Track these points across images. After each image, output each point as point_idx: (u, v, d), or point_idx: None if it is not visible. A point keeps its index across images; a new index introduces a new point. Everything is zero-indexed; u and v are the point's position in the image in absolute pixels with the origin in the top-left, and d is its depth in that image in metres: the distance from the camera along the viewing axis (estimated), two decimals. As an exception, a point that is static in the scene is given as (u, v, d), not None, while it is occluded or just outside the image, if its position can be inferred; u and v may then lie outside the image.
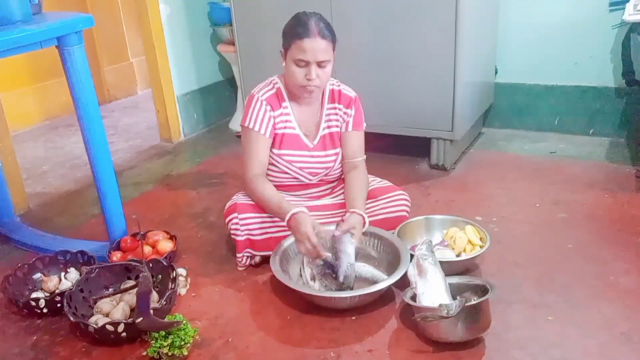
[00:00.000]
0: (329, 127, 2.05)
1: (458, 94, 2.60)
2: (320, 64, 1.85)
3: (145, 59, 3.41)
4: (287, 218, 1.82)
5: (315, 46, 1.81)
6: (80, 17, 1.87)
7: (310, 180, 2.06)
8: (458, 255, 1.91)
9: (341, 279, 1.77)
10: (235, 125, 3.61)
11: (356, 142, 2.07)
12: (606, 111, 3.04)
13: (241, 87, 3.25)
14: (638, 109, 2.93)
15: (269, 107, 1.95)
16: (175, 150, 3.38)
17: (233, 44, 3.19)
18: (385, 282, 1.73)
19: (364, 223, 1.91)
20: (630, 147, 2.90)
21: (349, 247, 1.79)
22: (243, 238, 1.96)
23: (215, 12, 3.47)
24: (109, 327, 1.61)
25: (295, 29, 1.84)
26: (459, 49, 2.52)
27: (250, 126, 1.95)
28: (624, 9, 2.63)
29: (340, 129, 2.06)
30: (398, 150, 3.00)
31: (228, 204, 2.04)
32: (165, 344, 1.54)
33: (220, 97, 3.78)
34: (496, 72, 3.23)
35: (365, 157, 2.09)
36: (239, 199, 2.03)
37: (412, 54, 2.64)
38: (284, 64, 1.92)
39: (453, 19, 2.47)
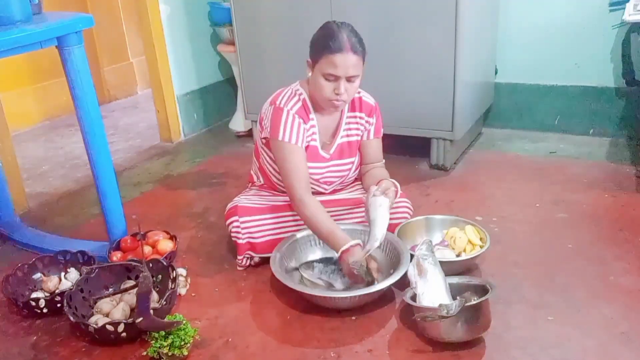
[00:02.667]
0: (348, 135, 2.01)
1: (458, 94, 2.59)
2: (349, 79, 1.81)
3: (145, 59, 3.41)
4: (340, 250, 1.76)
5: (347, 61, 1.76)
6: (80, 17, 1.87)
7: (325, 189, 2.05)
8: (458, 255, 1.91)
9: (377, 244, 1.75)
10: (235, 125, 3.61)
11: (376, 149, 2.07)
12: (606, 111, 3.04)
13: (241, 87, 3.25)
14: (638, 109, 2.93)
15: (301, 120, 1.89)
16: (175, 150, 3.38)
17: (233, 44, 3.19)
18: (385, 282, 1.73)
19: (397, 191, 1.88)
20: (630, 147, 2.90)
21: (384, 213, 1.77)
22: (244, 241, 1.96)
23: (215, 12, 3.46)
24: (109, 327, 1.61)
25: (327, 42, 1.77)
26: (459, 49, 2.52)
27: (287, 140, 1.85)
28: (624, 9, 2.63)
29: (362, 138, 2.04)
30: (398, 150, 2.99)
31: (229, 206, 2.03)
32: (165, 344, 1.54)
33: (220, 97, 3.78)
34: (496, 72, 3.23)
35: (384, 161, 2.10)
36: (240, 201, 2.02)
37: (412, 54, 2.64)
38: (310, 74, 1.87)
39: (453, 19, 2.47)
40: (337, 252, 1.78)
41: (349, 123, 2.01)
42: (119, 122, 4.03)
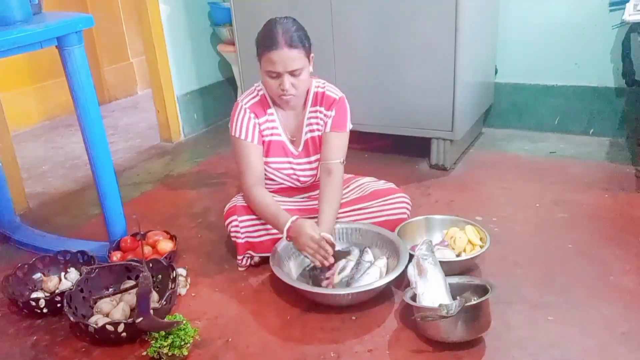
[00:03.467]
0: (311, 131, 2.01)
1: (458, 94, 2.59)
2: (292, 73, 1.81)
3: (145, 59, 3.41)
4: (285, 228, 1.82)
5: (283, 57, 1.78)
6: (80, 17, 1.87)
7: (297, 185, 2.06)
8: (458, 255, 1.91)
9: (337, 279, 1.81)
10: (235, 125, 3.61)
11: (334, 144, 1.96)
12: (606, 111, 3.04)
13: (241, 87, 3.25)
14: (638, 109, 2.93)
15: (252, 115, 1.93)
16: (175, 150, 3.38)
17: (233, 44, 3.20)
18: (385, 278, 1.74)
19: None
20: (630, 147, 2.90)
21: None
22: (243, 241, 1.96)
23: (215, 12, 3.47)
24: (109, 327, 1.61)
25: (263, 41, 1.82)
26: (459, 49, 2.52)
27: (237, 135, 1.94)
28: (624, 9, 2.63)
29: (322, 132, 2.01)
30: (398, 150, 3.00)
31: (227, 206, 2.04)
32: (165, 344, 1.54)
33: (220, 97, 3.78)
34: (496, 72, 3.23)
35: (343, 160, 1.97)
36: (238, 201, 2.02)
37: (412, 54, 2.64)
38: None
39: (453, 19, 2.47)
40: (282, 234, 1.83)
41: (311, 118, 2.01)
42: (119, 122, 4.03)
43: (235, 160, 2.01)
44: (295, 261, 1.95)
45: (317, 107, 1.99)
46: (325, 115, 1.98)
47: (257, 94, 1.98)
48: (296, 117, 2.01)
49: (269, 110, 1.96)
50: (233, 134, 1.95)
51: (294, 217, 1.82)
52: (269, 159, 1.98)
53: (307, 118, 2.00)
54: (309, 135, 2.01)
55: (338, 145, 1.97)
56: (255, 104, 1.95)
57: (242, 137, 1.93)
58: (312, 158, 2.02)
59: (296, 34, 1.81)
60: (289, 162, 2.00)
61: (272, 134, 1.98)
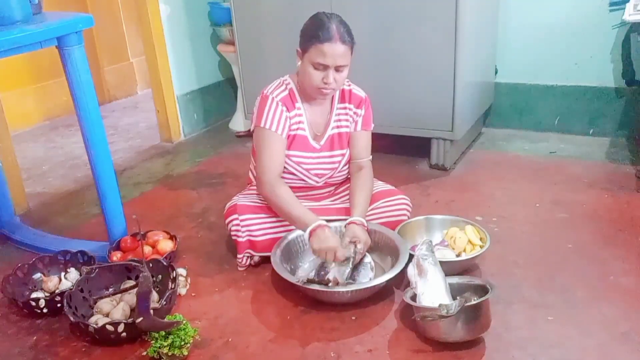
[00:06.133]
0: (338, 127, 2.03)
1: (458, 94, 2.60)
2: (338, 68, 1.83)
3: (145, 59, 3.41)
4: (308, 230, 1.82)
5: (335, 51, 1.79)
6: (80, 17, 1.87)
7: (316, 182, 2.05)
8: (458, 255, 1.91)
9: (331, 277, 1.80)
10: (235, 125, 3.61)
11: (364, 142, 2.05)
12: (606, 111, 3.04)
13: (241, 87, 3.25)
14: (638, 109, 2.93)
15: (284, 108, 1.93)
16: (175, 150, 3.38)
17: (233, 44, 3.19)
18: (385, 275, 1.75)
19: (366, 229, 1.92)
20: (630, 147, 2.90)
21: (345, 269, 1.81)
22: (244, 239, 1.96)
23: (215, 12, 3.47)
24: (109, 327, 1.61)
25: (316, 32, 1.81)
26: (459, 49, 2.52)
27: (267, 127, 1.91)
28: (624, 9, 2.63)
29: (350, 129, 2.05)
30: (398, 150, 3.00)
31: (228, 205, 2.04)
32: (165, 344, 1.54)
33: (220, 97, 3.78)
34: (496, 72, 3.23)
35: (371, 157, 2.08)
36: (239, 200, 2.02)
37: (412, 54, 2.64)
38: (299, 63, 1.90)
39: (453, 19, 2.47)
40: (305, 233, 1.84)
41: (339, 114, 2.03)
42: (119, 122, 4.03)
43: (257, 151, 1.98)
44: (297, 261, 1.96)
45: (346, 105, 2.03)
46: (355, 113, 2.03)
47: (286, 88, 1.97)
48: (322, 113, 2.03)
49: (297, 105, 1.97)
50: (262, 125, 1.91)
51: (317, 222, 1.82)
52: (291, 152, 1.97)
53: (336, 114, 2.03)
54: (335, 131, 2.03)
55: (367, 143, 2.08)
56: (285, 98, 1.95)
57: (273, 128, 1.91)
58: (335, 152, 2.03)
59: (347, 31, 1.84)
60: (310, 157, 2.00)
61: (297, 128, 1.98)
